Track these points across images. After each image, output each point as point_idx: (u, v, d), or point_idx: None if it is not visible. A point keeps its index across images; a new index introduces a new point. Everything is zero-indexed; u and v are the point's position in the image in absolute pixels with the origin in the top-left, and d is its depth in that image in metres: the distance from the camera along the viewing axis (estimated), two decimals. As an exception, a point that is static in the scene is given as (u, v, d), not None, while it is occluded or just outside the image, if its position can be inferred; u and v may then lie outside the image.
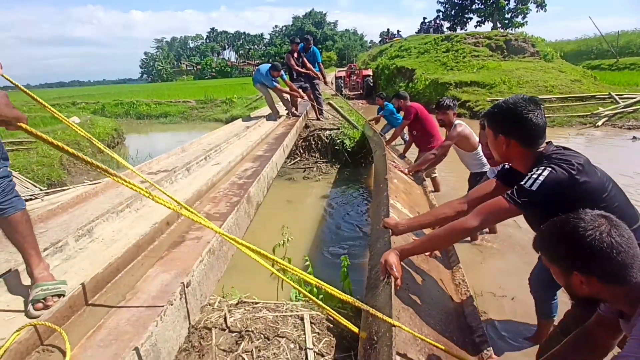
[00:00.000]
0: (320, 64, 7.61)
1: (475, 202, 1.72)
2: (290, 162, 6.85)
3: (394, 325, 1.19)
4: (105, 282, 1.61)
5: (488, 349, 1.47)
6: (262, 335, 1.41)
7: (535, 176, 1.31)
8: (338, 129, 7.16)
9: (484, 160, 3.42)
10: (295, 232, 3.35)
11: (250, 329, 1.44)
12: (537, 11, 29.67)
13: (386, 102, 6.86)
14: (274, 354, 1.35)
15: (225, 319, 1.50)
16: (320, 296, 2.07)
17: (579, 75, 12.93)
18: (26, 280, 1.55)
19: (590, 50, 24.94)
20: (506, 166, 1.66)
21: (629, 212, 1.34)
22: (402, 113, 5.05)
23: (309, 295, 1.34)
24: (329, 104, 7.72)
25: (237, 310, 1.61)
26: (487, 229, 3.60)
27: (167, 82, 59.66)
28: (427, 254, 2.09)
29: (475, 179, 3.42)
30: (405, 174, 3.71)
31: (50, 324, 1.23)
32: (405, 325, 1.25)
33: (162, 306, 1.34)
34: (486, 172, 3.37)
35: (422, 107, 4.41)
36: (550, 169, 1.30)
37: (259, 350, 1.35)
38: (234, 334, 1.42)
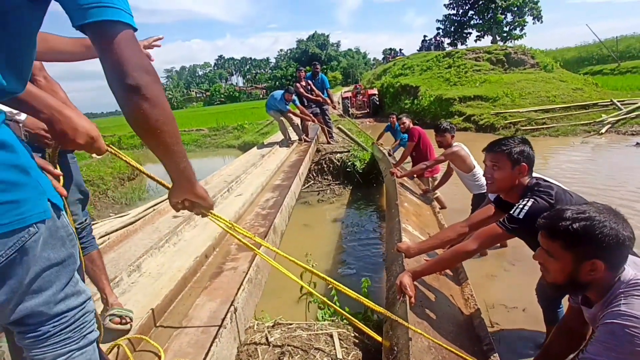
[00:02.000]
0: (329, 90, 8.03)
1: (476, 225, 2.01)
2: (304, 186, 7.15)
3: (411, 336, 1.44)
4: (162, 312, 1.90)
5: (494, 355, 1.70)
6: (299, 350, 1.67)
7: (521, 206, 1.59)
8: (348, 151, 7.47)
9: (483, 181, 3.63)
10: (315, 256, 3.61)
11: (289, 345, 1.71)
12: (533, 23, 30.30)
13: (397, 124, 7.17)
14: (312, 366, 1.61)
15: (267, 338, 1.77)
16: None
17: (580, 84, 13.14)
18: (98, 308, 1.84)
19: (591, 56, 25.18)
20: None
21: None
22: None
23: (340, 310, 1.61)
24: (338, 128, 8.07)
25: (275, 330, 1.88)
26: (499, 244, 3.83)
27: (178, 109, 61.32)
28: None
29: (478, 200, 3.60)
30: (398, 177, 4.18)
31: (138, 336, 1.51)
32: (420, 337, 1.50)
33: (215, 329, 1.62)
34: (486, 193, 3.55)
35: (424, 132, 4.75)
36: (533, 200, 1.58)
37: (299, 363, 1.61)
38: (276, 351, 1.69)
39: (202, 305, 1.95)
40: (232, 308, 1.73)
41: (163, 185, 1.38)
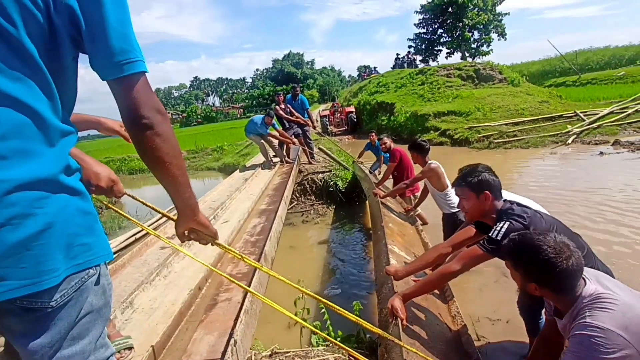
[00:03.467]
0: (309, 110, 8.24)
1: (458, 246, 2.15)
2: (288, 207, 7.19)
3: (405, 356, 1.53)
4: (162, 348, 1.91)
5: (482, 369, 1.81)
6: (300, 379, 1.73)
7: (499, 229, 1.74)
8: (330, 171, 7.59)
9: (454, 201, 3.56)
10: (303, 277, 3.67)
11: (289, 375, 1.76)
12: (498, 39, 31.97)
13: (377, 141, 7.38)
14: (312, 393, 1.66)
15: (266, 369, 1.82)
16: (338, 338, 2.40)
17: (545, 97, 13.90)
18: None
19: (554, 69, 26.74)
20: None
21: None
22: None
23: (335, 341, 1.68)
24: (319, 148, 8.23)
25: (273, 360, 1.93)
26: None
27: (154, 132, 60.18)
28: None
29: (448, 219, 3.68)
30: (381, 197, 4.31)
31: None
32: (414, 356, 1.59)
33: (216, 364, 1.66)
34: (456, 212, 3.55)
35: (405, 153, 4.93)
36: (509, 223, 1.72)
37: (299, 392, 1.67)
38: (277, 381, 1.74)
39: (200, 339, 1.98)
40: (231, 341, 1.78)
41: (170, 218, 1.43)
